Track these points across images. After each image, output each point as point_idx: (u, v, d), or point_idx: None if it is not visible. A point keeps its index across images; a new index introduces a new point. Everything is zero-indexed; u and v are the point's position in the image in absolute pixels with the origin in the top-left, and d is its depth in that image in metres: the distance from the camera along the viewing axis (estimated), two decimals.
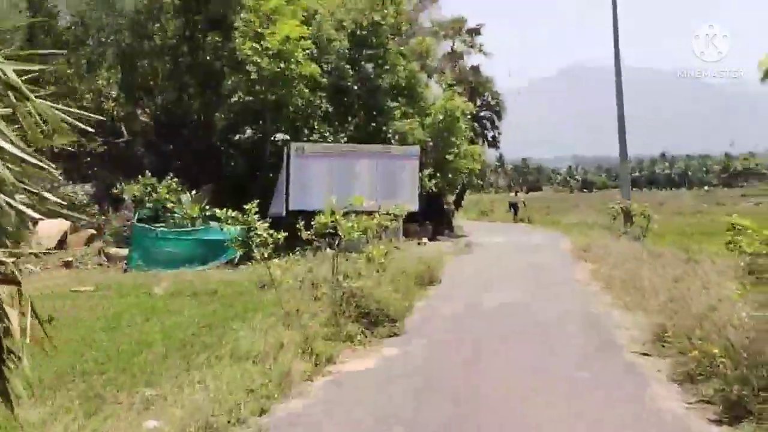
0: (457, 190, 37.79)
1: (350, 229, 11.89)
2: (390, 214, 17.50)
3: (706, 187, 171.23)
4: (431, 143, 31.09)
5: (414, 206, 27.16)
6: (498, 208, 60.86)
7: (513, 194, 56.67)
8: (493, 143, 59.73)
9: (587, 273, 17.74)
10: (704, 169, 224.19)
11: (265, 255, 10.85)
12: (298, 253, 16.89)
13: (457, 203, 62.31)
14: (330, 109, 28.35)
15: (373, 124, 29.84)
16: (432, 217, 31.76)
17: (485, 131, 59.22)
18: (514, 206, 47.33)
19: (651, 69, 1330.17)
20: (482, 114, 59.82)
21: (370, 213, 17.99)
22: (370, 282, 11.89)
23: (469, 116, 33.97)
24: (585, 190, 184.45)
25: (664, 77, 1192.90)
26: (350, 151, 27.68)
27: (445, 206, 33.94)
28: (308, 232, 12.05)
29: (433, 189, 30.06)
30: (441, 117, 30.79)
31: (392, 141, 29.19)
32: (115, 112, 32.76)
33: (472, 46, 56.85)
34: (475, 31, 56.64)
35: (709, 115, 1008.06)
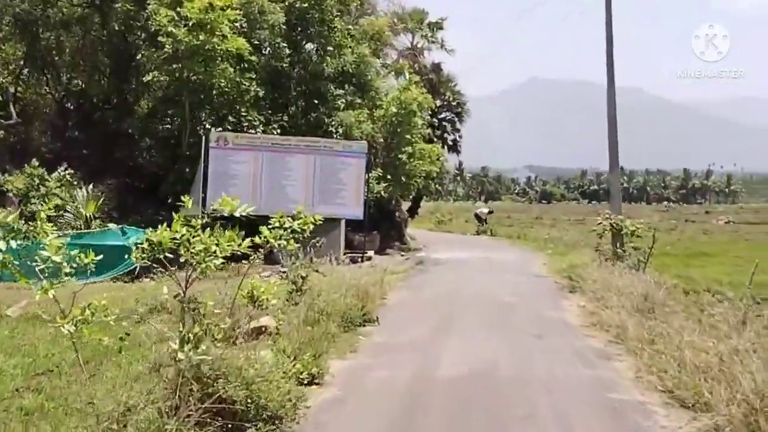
0: (412, 196, 32.62)
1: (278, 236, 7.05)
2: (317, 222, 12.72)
3: (665, 203, 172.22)
4: (382, 140, 26.37)
5: (358, 213, 23.00)
6: (457, 218, 56.54)
7: (480, 203, 52.28)
8: (454, 147, 55.01)
9: (585, 316, 12.98)
10: (662, 184, 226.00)
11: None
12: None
13: (413, 211, 57.68)
14: (261, 94, 23.52)
15: (314, 114, 25.05)
16: (381, 227, 27.12)
17: (445, 134, 54.65)
18: (479, 217, 42.53)
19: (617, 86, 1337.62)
20: (442, 115, 55.37)
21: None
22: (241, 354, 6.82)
23: (428, 112, 29.16)
24: (544, 201, 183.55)
25: (622, 93, 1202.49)
26: (283, 144, 22.91)
27: (396, 214, 29.20)
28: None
29: (383, 194, 25.34)
30: (394, 110, 26.08)
31: (335, 135, 24.46)
32: (11, 89, 27.98)
33: (433, 41, 52.30)
34: (437, 26, 52.04)
35: (666, 132, 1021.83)
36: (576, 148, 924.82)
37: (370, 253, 24.27)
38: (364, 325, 11.66)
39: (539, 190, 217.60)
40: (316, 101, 25.26)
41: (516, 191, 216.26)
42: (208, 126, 23.43)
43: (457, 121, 55.47)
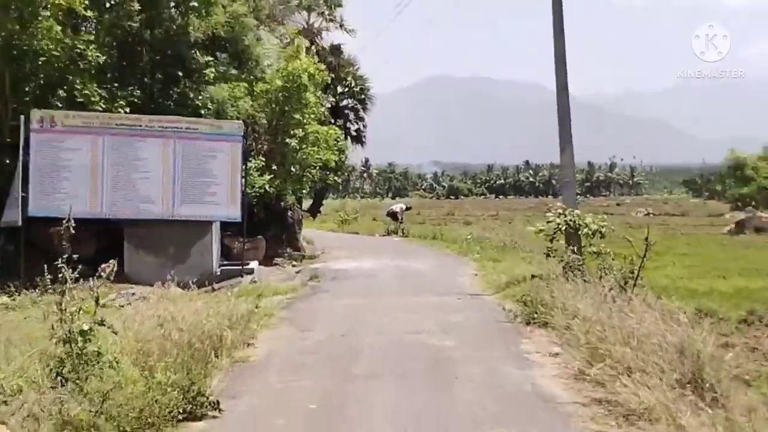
0: (314, 192, 26.71)
1: None
2: None
3: (578, 196, 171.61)
4: (265, 121, 20.99)
5: (234, 213, 17.67)
6: (364, 216, 51.42)
7: (389, 199, 47.24)
8: (358, 138, 50.05)
9: (577, 384, 7.47)
10: None
11: None
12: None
13: (314, 209, 52.36)
14: (101, 62, 17.82)
15: (176, 89, 19.50)
16: (268, 230, 21.78)
17: (348, 123, 49.59)
18: (392, 215, 36.77)
19: (513, 81, 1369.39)
20: (344, 103, 50.18)
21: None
22: None
23: (320, 86, 23.57)
24: (452, 196, 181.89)
25: (522, 88, 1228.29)
26: (131, 125, 17.30)
27: (288, 214, 23.72)
28: None
29: (268, 188, 19.89)
30: (279, 83, 20.76)
31: (203, 114, 18.96)
32: None
33: (331, 20, 47.04)
34: (336, 2, 46.80)
35: (574, 129, 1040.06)
36: (480, 143, 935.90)
37: (253, 264, 18.94)
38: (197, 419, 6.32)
39: (446, 185, 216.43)
40: (179, 73, 19.64)
41: (423, 187, 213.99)
42: (33, 104, 17.68)
43: (360, 109, 50.35)
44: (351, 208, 57.48)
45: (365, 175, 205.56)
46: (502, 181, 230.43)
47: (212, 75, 19.71)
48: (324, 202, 60.90)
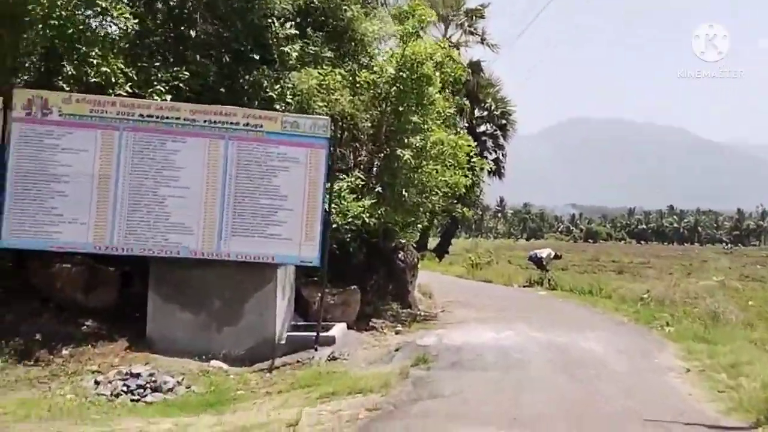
0: (424, 226, 19.36)
1: None
2: None
3: (725, 245, 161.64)
4: (368, 123, 14.83)
5: (309, 252, 11.91)
6: (498, 258, 44.59)
7: (523, 241, 40.14)
8: (497, 170, 43.40)
9: None
10: (714, 225, 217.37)
11: None
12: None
13: (441, 249, 46.04)
14: (133, 27, 12.23)
15: (244, 76, 13.66)
16: (367, 278, 15.63)
17: (485, 152, 43.13)
18: (537, 261, 28.81)
19: (655, 125, 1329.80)
20: (482, 128, 43.73)
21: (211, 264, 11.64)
22: None
23: (453, 84, 16.82)
24: (590, 240, 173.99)
25: (665, 131, 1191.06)
26: (165, 118, 11.66)
27: (400, 255, 17.33)
28: None
29: (368, 219, 13.67)
30: (392, 72, 14.69)
31: (280, 107, 13.03)
32: None
33: (472, 33, 40.94)
34: (477, 13, 40.70)
35: (712, 172, 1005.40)
36: (619, 187, 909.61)
37: (338, 328, 12.83)
38: None
39: (584, 228, 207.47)
40: (251, 52, 13.79)
41: (560, 229, 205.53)
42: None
43: (500, 136, 43.75)
44: (484, 249, 51.04)
45: (500, 214, 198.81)
46: (644, 226, 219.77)
47: (296, 56, 13.79)
48: (453, 240, 54.64)
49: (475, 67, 40.99)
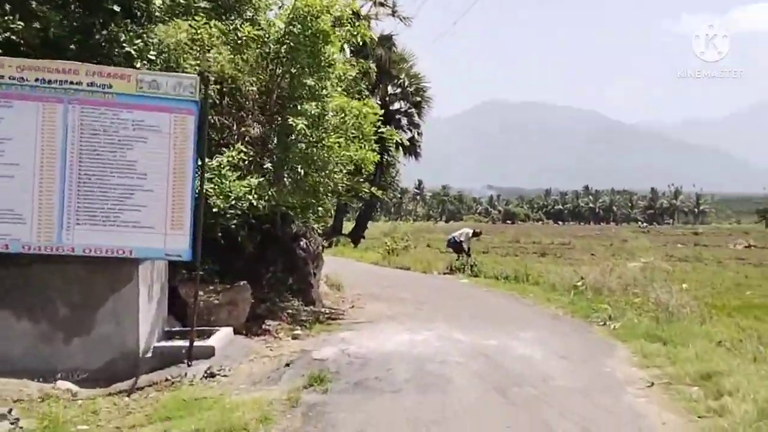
0: (326, 209, 16.64)
1: None
2: None
3: (640, 223, 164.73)
4: (254, 88, 12.38)
5: (176, 244, 9.45)
6: (417, 242, 42.66)
7: (441, 223, 38.14)
8: (411, 149, 41.30)
9: None
10: (629, 204, 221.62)
11: None
12: None
13: (356, 234, 43.67)
14: None
15: (102, 29, 11.05)
16: (261, 271, 13.25)
17: (400, 130, 40.99)
18: (456, 246, 26.52)
19: (570, 107, 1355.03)
20: (396, 106, 41.55)
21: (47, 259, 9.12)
22: None
23: (357, 38, 14.30)
24: (508, 221, 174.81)
25: (582, 115, 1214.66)
26: None
27: (302, 244, 14.91)
28: None
29: (255, 202, 11.25)
30: (281, 26, 12.32)
31: (141, 67, 10.51)
32: None
33: (382, 5, 38.63)
34: None
35: (627, 154, 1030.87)
36: (536, 168, 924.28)
37: (220, 335, 10.49)
38: None
39: (502, 209, 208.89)
40: (110, 3, 11.18)
41: (478, 211, 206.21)
42: None
43: (415, 114, 41.59)
44: (403, 233, 48.96)
45: (418, 197, 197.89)
46: (561, 206, 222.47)
47: (163, 6, 11.28)
48: (371, 224, 52.44)
49: (386, 40, 38.77)
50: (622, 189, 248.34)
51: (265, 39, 12.31)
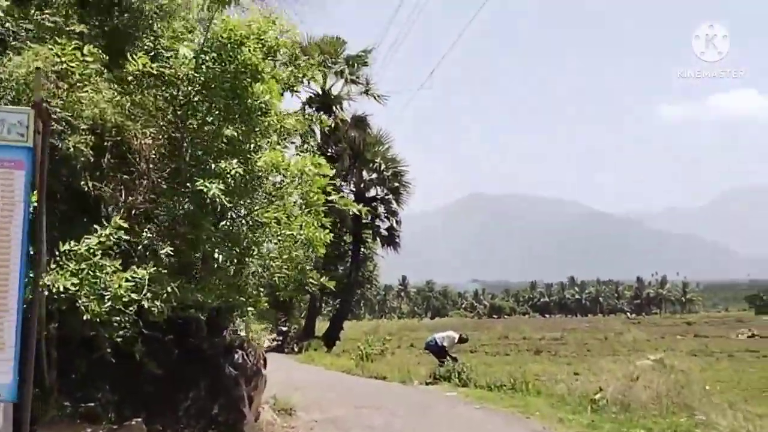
0: (258, 308, 12.42)
1: None
2: None
3: (627, 314, 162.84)
4: (149, 140, 8.79)
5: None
6: (401, 341, 39.03)
7: (426, 319, 34.41)
8: (389, 239, 37.77)
9: None
10: (615, 294, 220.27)
11: None
12: None
13: (330, 337, 39.27)
14: None
15: None
16: (176, 398, 9.47)
17: (377, 220, 37.55)
18: (437, 350, 22.05)
19: (550, 198, 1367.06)
20: (372, 193, 38.24)
21: None
22: None
23: (300, 79, 10.59)
24: (494, 315, 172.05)
25: (559, 204, 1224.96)
26: None
27: (233, 360, 10.83)
28: None
29: (148, 304, 7.51)
30: (189, 56, 8.80)
31: None
32: None
33: (354, 82, 35.61)
34: (360, 61, 35.49)
35: (609, 244, 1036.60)
36: (520, 260, 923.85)
37: None
38: None
39: (488, 303, 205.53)
40: None
41: (464, 306, 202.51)
42: None
43: (393, 201, 38.23)
44: (386, 331, 44.99)
45: (402, 293, 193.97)
46: (546, 299, 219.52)
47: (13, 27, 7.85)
48: (353, 324, 48.68)
49: (359, 122, 35.67)
50: (607, 279, 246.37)
51: (173, 77, 8.78)
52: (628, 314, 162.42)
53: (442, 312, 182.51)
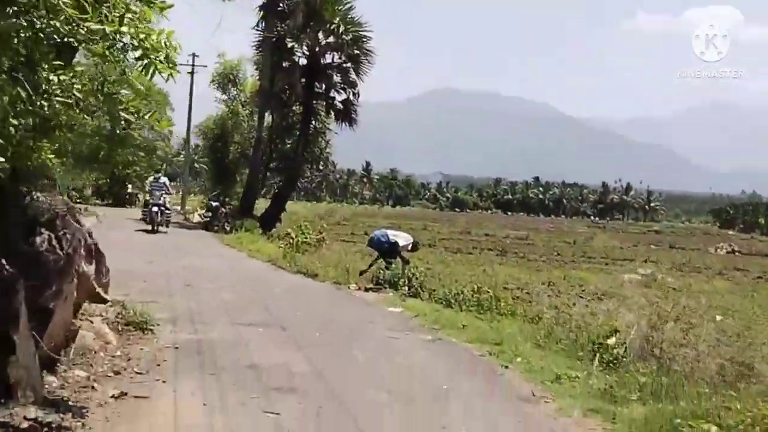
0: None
1: None
2: None
3: (592, 218, 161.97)
4: None
5: None
6: (356, 228, 35.46)
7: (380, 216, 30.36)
8: (345, 112, 32.73)
9: None
10: (579, 197, 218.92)
11: None
12: None
13: (270, 218, 34.17)
14: None
15: None
16: None
17: (332, 90, 32.54)
18: (385, 247, 16.86)
19: (522, 98, 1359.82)
20: (328, 59, 32.97)
21: None
22: None
23: None
24: (457, 209, 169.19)
25: (530, 105, 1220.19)
26: None
27: (36, 242, 6.61)
28: None
29: None
30: None
31: None
32: None
33: None
34: None
35: (576, 147, 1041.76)
36: (485, 155, 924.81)
37: None
38: None
39: (451, 196, 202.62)
40: None
41: (426, 197, 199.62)
42: None
43: (351, 70, 33.03)
44: (341, 215, 41.02)
45: (365, 179, 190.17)
46: (510, 196, 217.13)
47: None
48: (309, 205, 44.51)
49: None
50: (572, 182, 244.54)
51: None
52: (592, 218, 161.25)
53: (405, 201, 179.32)
